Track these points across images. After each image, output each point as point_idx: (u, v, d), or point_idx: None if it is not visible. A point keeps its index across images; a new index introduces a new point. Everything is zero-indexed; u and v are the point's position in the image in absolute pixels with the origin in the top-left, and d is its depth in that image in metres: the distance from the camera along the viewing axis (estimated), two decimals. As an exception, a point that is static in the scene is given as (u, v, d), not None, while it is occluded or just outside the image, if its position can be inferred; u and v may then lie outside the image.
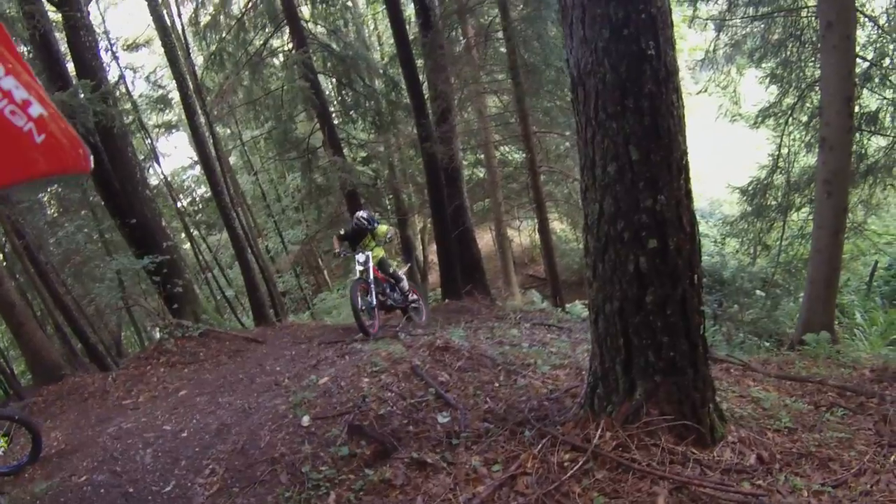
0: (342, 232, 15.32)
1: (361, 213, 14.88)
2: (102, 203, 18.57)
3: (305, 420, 7.36)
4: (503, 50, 21.53)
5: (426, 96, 21.34)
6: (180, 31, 24.86)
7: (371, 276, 14.19)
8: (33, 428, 9.18)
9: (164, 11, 23.56)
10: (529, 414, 6.76)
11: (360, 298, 13.54)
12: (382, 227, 14.95)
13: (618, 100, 5.38)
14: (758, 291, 19.67)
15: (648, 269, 5.49)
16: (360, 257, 14.30)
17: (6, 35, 4.39)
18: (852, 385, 8.34)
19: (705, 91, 21.62)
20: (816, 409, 7.41)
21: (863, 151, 17.63)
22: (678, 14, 21.75)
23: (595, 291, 5.97)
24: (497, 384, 8.19)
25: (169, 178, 33.03)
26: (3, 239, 20.62)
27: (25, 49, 16.08)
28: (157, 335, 16.07)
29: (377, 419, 7.09)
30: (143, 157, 27.24)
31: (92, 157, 4.42)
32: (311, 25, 24.20)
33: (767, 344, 16.09)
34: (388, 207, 28.76)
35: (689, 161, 5.73)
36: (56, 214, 25.08)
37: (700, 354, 5.78)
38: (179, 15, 25.37)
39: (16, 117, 4.32)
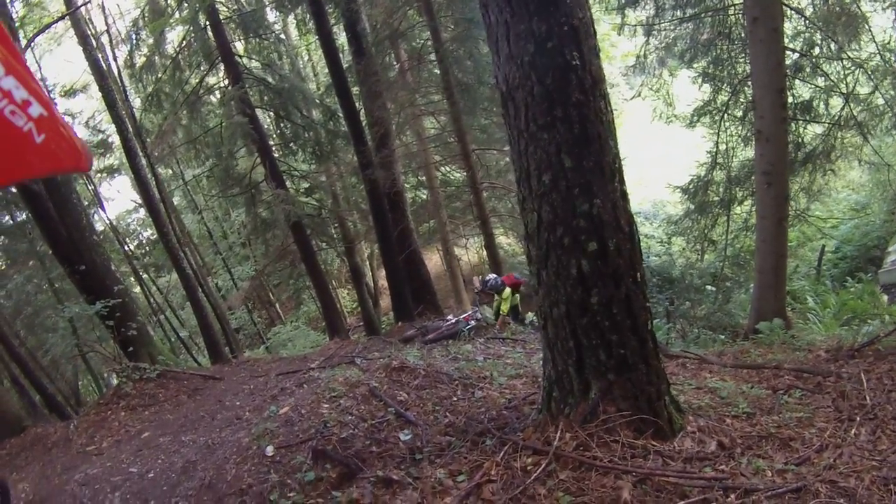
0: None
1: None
2: (50, 252, 18.43)
3: (269, 450, 7.35)
4: (437, 71, 21.59)
5: (364, 123, 21.40)
6: (117, 75, 24.71)
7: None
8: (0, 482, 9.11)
9: (100, 56, 23.40)
10: (489, 424, 6.82)
11: None
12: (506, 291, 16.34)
13: (547, 111, 5.50)
14: (708, 286, 19.86)
15: (591, 271, 5.58)
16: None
17: (6, 35, 4.42)
18: (808, 367, 8.49)
19: (639, 96, 21.78)
20: (774, 393, 7.55)
21: (800, 140, 17.87)
22: (608, 23, 21.99)
23: (542, 298, 6.06)
24: (455, 398, 8.26)
25: (114, 223, 32.80)
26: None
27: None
28: (115, 380, 15.95)
29: (340, 443, 7.07)
30: (87, 202, 27.05)
31: (92, 158, 4.45)
32: (245, 60, 24.07)
33: (723, 337, 16.26)
34: (335, 236, 28.68)
35: (622, 164, 5.85)
36: (3, 267, 24.89)
37: (650, 349, 5.88)
38: (115, 58, 25.33)
39: (16, 117, 4.35)
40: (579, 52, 5.46)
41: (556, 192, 5.56)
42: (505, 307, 16.06)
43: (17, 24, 17.95)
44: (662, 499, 4.75)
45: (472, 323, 15.83)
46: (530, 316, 16.82)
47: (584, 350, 5.77)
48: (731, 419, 6.38)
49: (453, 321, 15.93)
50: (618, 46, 36.65)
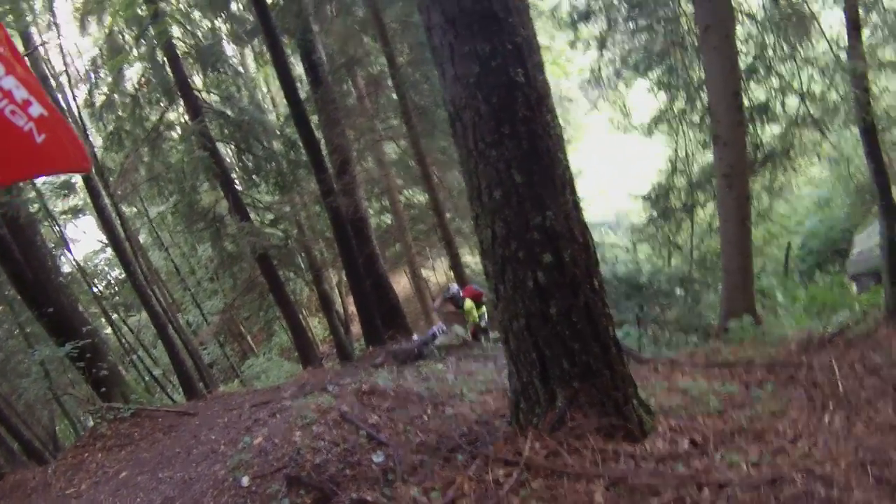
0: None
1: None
2: (18, 296, 18.32)
3: (245, 481, 7.35)
4: (395, 96, 21.62)
5: (324, 151, 21.42)
6: (77, 114, 24.62)
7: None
8: None
9: (59, 96, 23.35)
10: (461, 439, 6.85)
11: None
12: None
13: (494, 128, 5.58)
14: (677, 290, 19.94)
15: (547, 282, 5.63)
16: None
17: (7, 36, 4.41)
18: (780, 360, 8.52)
19: (596, 108, 21.87)
20: (747, 388, 7.55)
21: (758, 141, 18.09)
22: (563, 38, 22.05)
23: (501, 312, 6.11)
24: (426, 417, 8.27)
25: (82, 264, 32.55)
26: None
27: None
28: (91, 422, 15.87)
29: (314, 468, 7.08)
30: (52, 244, 26.89)
31: (91, 159, 4.43)
32: (205, 95, 23.98)
33: (695, 338, 16.32)
34: (302, 265, 28.67)
35: (572, 176, 5.94)
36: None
37: (613, 355, 5.94)
38: (74, 98, 25.15)
39: (16, 117, 4.40)
40: (524, 69, 5.55)
41: (508, 208, 5.63)
42: (472, 317, 16.19)
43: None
44: (636, 500, 4.77)
45: (439, 335, 15.89)
46: (495, 335, 16.86)
47: (547, 360, 5.81)
48: (703, 417, 6.39)
49: (417, 341, 15.98)
50: (573, 61, 36.80)
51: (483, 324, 16.43)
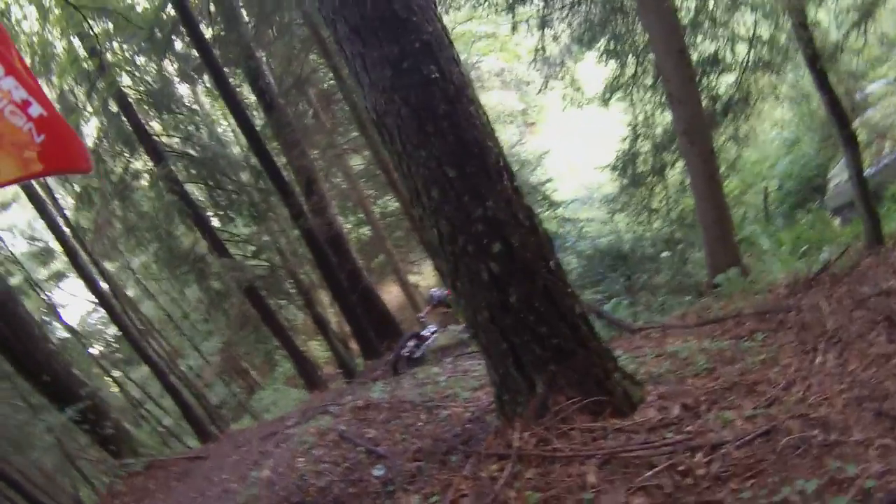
0: None
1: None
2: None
3: None
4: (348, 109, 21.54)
5: (290, 175, 21.44)
6: (43, 180, 24.55)
7: None
8: None
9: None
10: (455, 440, 6.82)
11: None
12: None
13: (418, 128, 5.58)
14: (663, 253, 19.93)
15: (501, 271, 5.62)
16: None
17: (6, 36, 4.41)
18: (768, 307, 8.51)
19: (546, 88, 21.85)
20: (737, 341, 7.53)
21: (715, 93, 18.12)
22: (506, 24, 21.98)
23: (464, 308, 6.13)
24: (421, 423, 8.26)
25: (77, 326, 32.50)
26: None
27: None
28: (105, 481, 15.87)
29: (318, 492, 7.13)
30: (44, 311, 26.86)
31: (91, 158, 4.47)
32: (165, 138, 23.92)
33: (689, 298, 16.28)
34: (291, 291, 28.68)
35: (507, 161, 5.92)
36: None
37: (584, 332, 5.91)
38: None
39: (16, 117, 4.41)
40: (436, 65, 5.56)
41: (447, 204, 5.63)
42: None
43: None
44: (630, 473, 4.74)
45: (431, 337, 15.89)
46: None
47: (518, 349, 5.79)
48: (693, 378, 6.39)
49: (396, 349, 15.94)
50: (522, 45, 36.76)
51: None
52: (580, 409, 5.62)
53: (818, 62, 10.32)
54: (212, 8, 20.08)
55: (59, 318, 29.11)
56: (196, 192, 25.36)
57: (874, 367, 5.38)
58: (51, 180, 24.68)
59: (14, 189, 26.80)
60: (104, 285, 23.30)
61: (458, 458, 6.23)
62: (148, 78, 23.91)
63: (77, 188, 23.76)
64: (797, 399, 5.20)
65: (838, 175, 18.77)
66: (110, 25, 21.28)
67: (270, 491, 7.86)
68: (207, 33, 20.18)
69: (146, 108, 23.35)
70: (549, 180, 30.25)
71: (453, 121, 5.57)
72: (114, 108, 22.18)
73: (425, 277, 34.62)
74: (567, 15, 18.95)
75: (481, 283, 5.70)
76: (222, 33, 20.71)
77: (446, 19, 5.67)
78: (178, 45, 23.22)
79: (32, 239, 29.30)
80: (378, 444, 7.92)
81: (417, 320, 17.09)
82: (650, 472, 4.65)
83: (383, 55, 5.53)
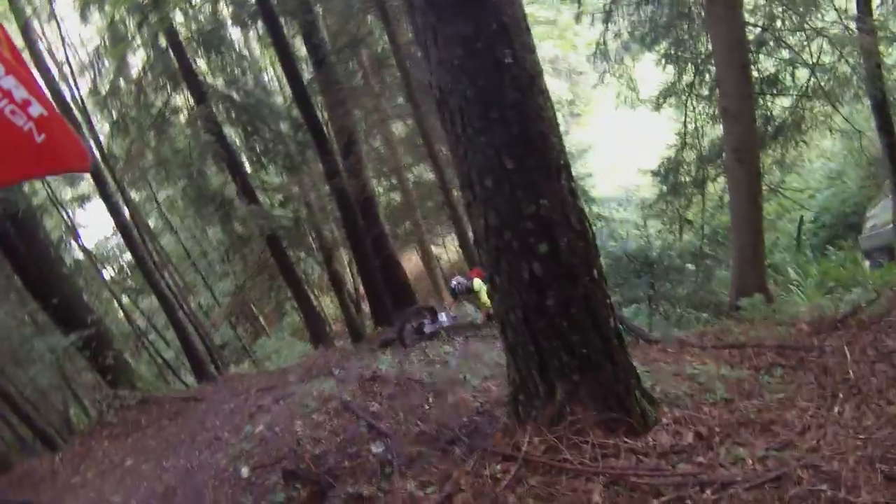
0: None
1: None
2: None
3: (244, 472, 7.34)
4: (399, 75, 21.44)
5: (330, 132, 21.38)
6: (81, 103, 24.48)
7: None
8: None
9: (63, 86, 23.26)
10: (460, 431, 6.74)
11: None
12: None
13: (483, 113, 5.40)
14: (688, 266, 19.81)
15: (544, 273, 5.47)
16: None
17: (7, 35, 4.33)
18: (790, 342, 8.40)
19: (602, 82, 21.70)
20: (756, 372, 7.44)
21: (769, 114, 17.90)
22: (568, 12, 21.84)
23: (498, 303, 6.01)
24: (427, 406, 8.18)
25: (94, 250, 32.53)
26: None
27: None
28: (97, 410, 15.92)
29: (312, 460, 7.05)
30: (63, 232, 26.86)
31: (91, 158, 4.40)
32: (209, 79, 23.94)
33: (706, 315, 16.19)
34: (313, 246, 28.71)
35: (568, 160, 5.75)
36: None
37: (614, 346, 5.78)
38: (78, 87, 24.94)
39: (16, 117, 4.36)
40: (511, 49, 5.35)
41: (500, 196, 5.46)
42: (484, 299, 15.66)
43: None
44: (636, 499, 4.65)
45: (447, 321, 15.80)
46: None
47: (545, 353, 5.66)
48: (709, 406, 6.27)
49: (418, 319, 15.86)
50: (581, 35, 36.55)
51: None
52: (596, 423, 5.51)
53: (885, 105, 10.17)
54: (275, -45, 20.00)
55: (77, 239, 29.13)
56: (233, 135, 25.28)
57: (890, 427, 5.26)
58: (89, 104, 24.69)
59: (50, 107, 26.78)
60: (127, 214, 23.28)
61: (462, 450, 6.16)
62: (201, 17, 23.83)
63: (114, 115, 23.68)
64: (810, 447, 5.10)
65: (877, 216, 18.57)
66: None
67: (263, 449, 7.82)
68: (268, -20, 20.02)
69: (195, 46, 23.23)
70: (588, 175, 30.23)
71: (521, 110, 5.38)
72: (163, 43, 22.13)
73: (448, 251, 34.62)
74: (632, 12, 18.78)
75: (521, 281, 5.56)
76: (283, -18, 20.59)
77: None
78: (237, -12, 23.17)
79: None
80: (380, 419, 7.86)
81: (444, 308, 16.97)
82: (656, 501, 4.56)
83: (457, 32, 5.34)
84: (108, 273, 33.91)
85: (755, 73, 16.44)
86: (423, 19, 5.54)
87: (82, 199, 30.12)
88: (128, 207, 23.89)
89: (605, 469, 5.00)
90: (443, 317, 15.86)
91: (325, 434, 7.69)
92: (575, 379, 5.61)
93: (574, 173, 5.89)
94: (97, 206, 31.52)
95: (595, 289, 5.65)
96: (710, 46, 16.34)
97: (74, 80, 24.81)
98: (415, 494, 5.59)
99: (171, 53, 21.87)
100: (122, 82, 23.34)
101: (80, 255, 28.71)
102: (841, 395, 6.10)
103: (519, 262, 5.52)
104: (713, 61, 15.57)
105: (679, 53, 18.85)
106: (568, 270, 5.50)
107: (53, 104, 4.78)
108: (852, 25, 15.08)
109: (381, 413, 8.12)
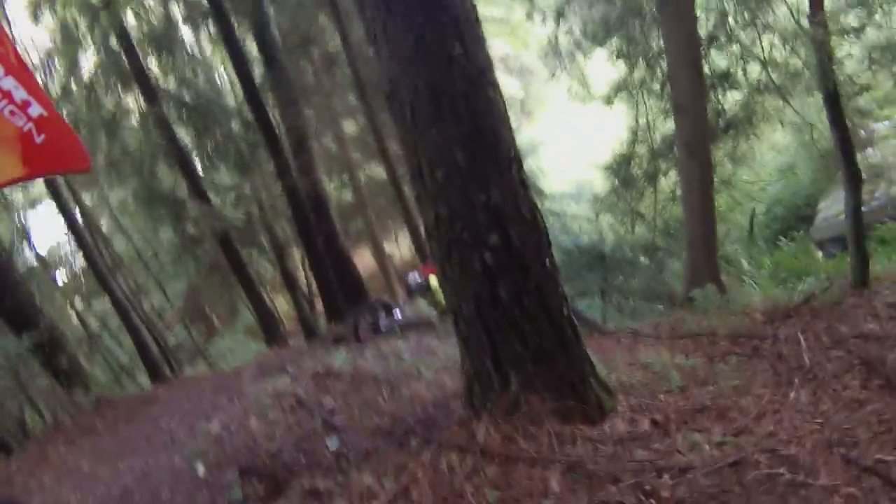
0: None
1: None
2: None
3: (201, 470, 7.33)
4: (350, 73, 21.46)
5: (281, 131, 21.40)
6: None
7: None
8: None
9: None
10: (415, 424, 6.77)
11: None
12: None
13: (433, 105, 5.42)
14: (641, 258, 20.01)
15: (495, 264, 5.51)
16: None
17: (6, 35, 4.29)
18: (744, 331, 8.45)
19: (554, 79, 21.84)
20: (710, 361, 7.49)
21: (720, 108, 18.12)
22: (520, 11, 22.00)
23: (449, 295, 6.03)
24: (382, 400, 8.15)
25: (45, 255, 32.36)
26: None
27: None
28: (51, 415, 15.88)
29: (268, 457, 7.08)
30: (13, 236, 26.68)
31: (91, 159, 4.41)
32: (161, 80, 23.84)
33: (660, 307, 16.34)
34: (265, 245, 28.69)
35: (518, 152, 5.79)
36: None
37: (568, 335, 5.81)
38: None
39: (16, 118, 4.36)
40: (461, 41, 5.38)
41: (451, 188, 5.48)
42: (440, 297, 15.55)
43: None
44: (593, 485, 4.64)
45: (399, 316, 15.86)
46: None
47: (498, 344, 5.69)
48: (665, 394, 6.31)
49: (373, 314, 15.87)
50: (532, 32, 36.76)
51: None
52: (551, 412, 5.52)
53: (836, 99, 10.25)
54: (225, -46, 19.98)
55: (28, 242, 28.94)
56: (184, 135, 25.19)
57: (847, 411, 5.32)
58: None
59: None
60: (79, 216, 23.21)
61: (418, 442, 6.12)
62: (153, 18, 23.71)
63: (66, 117, 23.52)
64: (767, 432, 5.14)
65: (828, 208, 18.80)
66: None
67: (219, 447, 7.79)
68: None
69: (146, 47, 23.14)
70: (540, 171, 30.36)
71: (471, 103, 5.41)
72: (114, 44, 22.04)
73: (400, 247, 34.73)
74: (585, 9, 18.91)
75: (472, 272, 5.59)
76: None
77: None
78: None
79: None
80: (335, 414, 7.87)
81: (398, 305, 16.99)
82: (614, 487, 4.55)
83: (407, 23, 5.35)
84: (60, 277, 33.71)
85: (707, 69, 16.59)
86: (372, 10, 5.53)
87: (33, 202, 29.96)
88: (80, 209, 23.83)
89: (562, 457, 5.01)
90: (397, 313, 15.90)
91: (280, 431, 7.69)
92: (529, 369, 5.64)
93: (526, 169, 5.92)
94: (48, 209, 31.36)
95: (547, 279, 5.69)
96: (661, 43, 16.48)
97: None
98: (372, 487, 5.56)
99: (123, 55, 21.77)
100: (73, 84, 23.19)
101: (32, 261, 28.54)
102: (796, 382, 6.14)
103: (471, 254, 5.54)
104: (665, 57, 15.69)
105: (631, 49, 19.01)
106: (520, 261, 5.53)
107: (53, 104, 4.77)
108: (804, 21, 15.23)
109: (336, 408, 8.11)
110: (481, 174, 5.42)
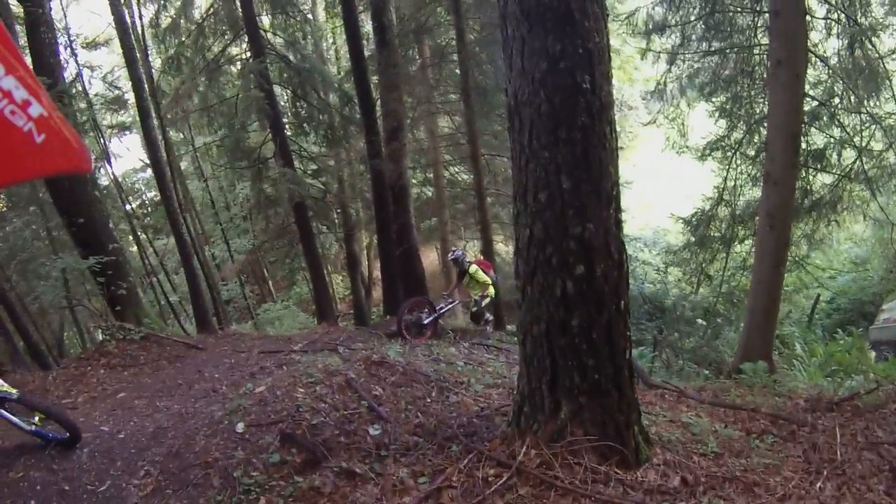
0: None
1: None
2: (51, 200, 18.30)
3: (240, 427, 7.36)
4: (457, 71, 21.55)
5: (378, 113, 21.45)
6: (140, 33, 24.55)
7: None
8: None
9: (126, 12, 23.25)
10: (459, 430, 6.86)
11: None
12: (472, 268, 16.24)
13: (552, 130, 5.57)
14: (699, 320, 19.87)
15: (575, 293, 5.63)
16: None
17: (6, 35, 4.44)
18: (785, 413, 8.43)
19: (654, 122, 21.72)
20: (747, 435, 7.50)
21: (808, 187, 17.92)
22: (633, 46, 21.91)
23: (524, 313, 6.11)
24: (429, 400, 8.29)
25: (120, 180, 32.42)
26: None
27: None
28: (99, 337, 15.90)
29: (310, 429, 7.13)
30: (94, 156, 26.84)
31: (91, 158, 4.49)
32: (269, 35, 24.00)
33: (706, 372, 16.18)
34: (336, 221, 28.82)
35: (619, 191, 5.91)
36: (4, 209, 24.64)
37: (625, 378, 5.92)
38: (140, 16, 24.89)
39: (16, 117, 4.40)
40: (591, 75, 5.54)
41: (550, 211, 5.63)
42: (474, 287, 16.13)
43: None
44: (617, 529, 4.73)
45: (446, 307, 15.93)
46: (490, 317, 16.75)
47: (558, 370, 5.82)
48: (699, 456, 6.38)
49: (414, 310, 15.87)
50: (641, 70, 36.46)
51: (484, 304, 16.16)
52: (592, 447, 5.64)
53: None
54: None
55: (109, 165, 29.17)
56: (282, 95, 25.33)
57: (867, 512, 5.28)
58: (147, 35, 24.81)
59: (109, 32, 26.82)
60: (163, 151, 23.39)
61: (459, 448, 6.26)
62: (274, -28, 23.89)
63: (170, 52, 23.76)
64: (788, 515, 5.08)
65: (892, 310, 18.54)
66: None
67: (261, 408, 7.82)
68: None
69: (262, 1, 23.33)
70: (622, 210, 30.26)
71: (587, 135, 5.57)
72: (232, -11, 22.14)
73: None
74: (697, 60, 18.83)
75: (552, 296, 5.72)
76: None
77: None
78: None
79: (111, 84, 29.23)
80: (382, 404, 7.94)
81: (443, 297, 16.91)
82: (636, 535, 4.63)
83: (545, 48, 5.52)
84: (129, 206, 33.87)
85: (803, 145, 16.45)
86: (515, 28, 5.71)
87: (122, 128, 30.24)
88: (164, 144, 23.98)
89: (594, 493, 5.12)
90: (441, 304, 15.96)
91: (325, 406, 7.71)
92: (582, 401, 5.77)
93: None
94: (133, 138, 31.59)
95: (619, 319, 5.79)
96: (765, 109, 16.39)
97: (139, 8, 24.93)
98: (406, 481, 5.69)
99: (238, 2, 21.88)
100: (183, 21, 23.36)
101: (106, 183, 28.69)
102: (825, 473, 6.16)
103: (555, 279, 5.68)
104: (766, 124, 15.60)
105: (734, 109, 18.88)
106: (598, 296, 5.66)
107: (53, 104, 4.84)
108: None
109: (383, 398, 8.19)
110: (581, 204, 5.56)
